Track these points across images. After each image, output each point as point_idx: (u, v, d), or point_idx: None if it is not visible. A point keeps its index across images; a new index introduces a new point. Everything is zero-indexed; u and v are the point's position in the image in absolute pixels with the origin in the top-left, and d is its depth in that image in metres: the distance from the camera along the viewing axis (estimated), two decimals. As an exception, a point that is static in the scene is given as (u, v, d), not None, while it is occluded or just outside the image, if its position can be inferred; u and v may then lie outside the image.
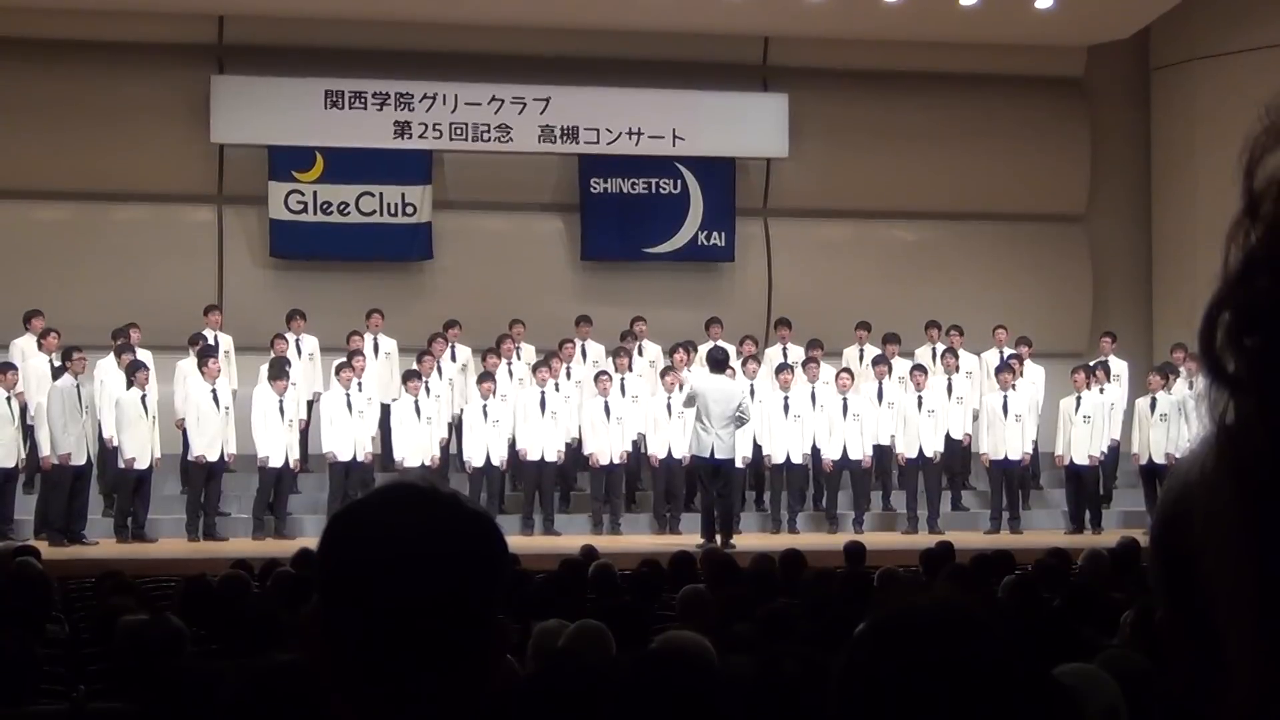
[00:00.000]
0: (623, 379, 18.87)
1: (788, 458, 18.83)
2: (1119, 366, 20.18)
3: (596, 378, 18.79)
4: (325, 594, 1.79)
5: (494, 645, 1.79)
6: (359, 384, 18.16)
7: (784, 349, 20.03)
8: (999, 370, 19.40)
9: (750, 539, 17.20)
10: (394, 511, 1.79)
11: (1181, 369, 19.12)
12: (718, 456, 16.82)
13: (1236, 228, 1.05)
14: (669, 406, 18.55)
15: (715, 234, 21.39)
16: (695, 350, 19.27)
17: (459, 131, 20.63)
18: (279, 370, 17.98)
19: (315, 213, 20.39)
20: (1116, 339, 20.50)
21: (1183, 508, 1.10)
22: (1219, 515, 1.04)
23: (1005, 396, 19.04)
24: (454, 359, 19.35)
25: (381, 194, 20.54)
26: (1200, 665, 1.11)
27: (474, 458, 18.29)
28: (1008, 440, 18.91)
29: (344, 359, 18.33)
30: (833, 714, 1.54)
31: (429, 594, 1.74)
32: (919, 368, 19.42)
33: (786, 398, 18.89)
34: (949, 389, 19.42)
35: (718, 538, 16.56)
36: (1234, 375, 1.03)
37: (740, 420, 16.98)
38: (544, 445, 18.38)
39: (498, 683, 1.86)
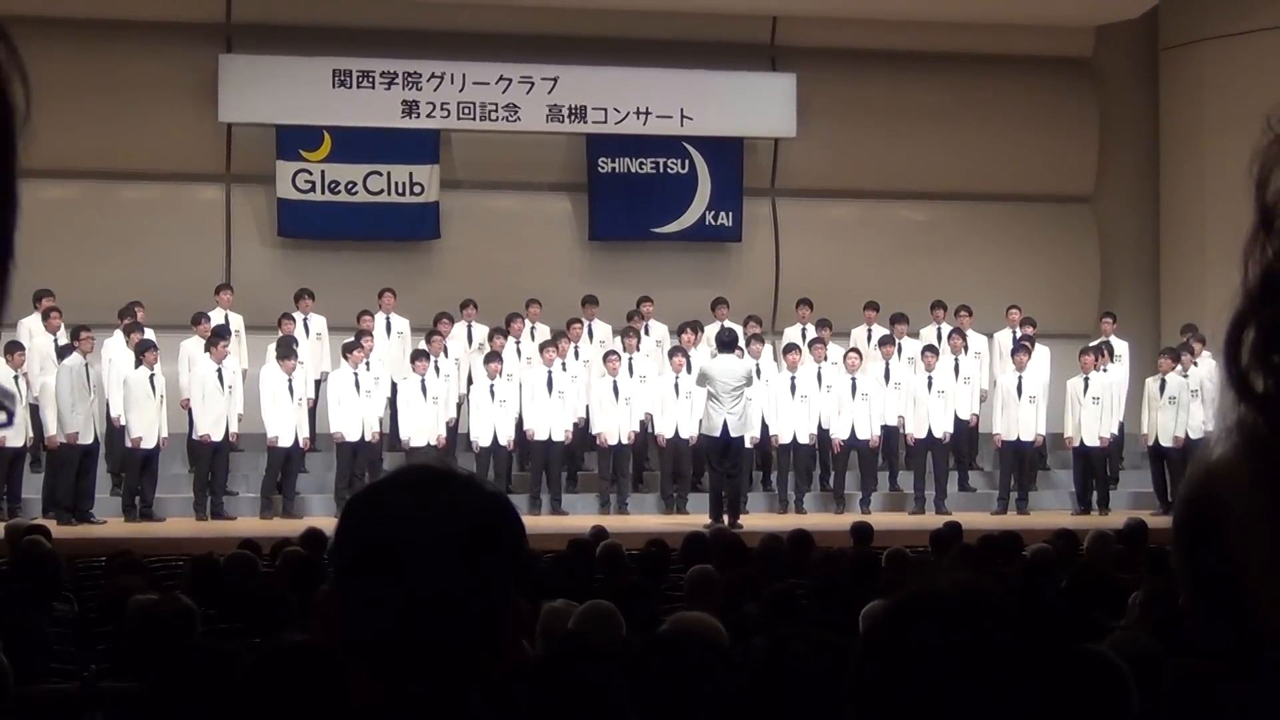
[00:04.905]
0: (630, 359, 18.86)
1: (794, 438, 18.81)
2: (1120, 347, 20.10)
3: (606, 357, 18.78)
4: (344, 576, 1.79)
5: (511, 625, 1.80)
6: (367, 364, 18.17)
7: (803, 329, 19.98)
8: (1014, 351, 19.33)
9: (758, 519, 17.22)
10: (412, 493, 1.79)
11: (1195, 349, 19.05)
12: (730, 434, 16.86)
13: (1252, 242, 1.03)
14: (676, 386, 18.54)
15: (723, 214, 21.35)
16: (702, 331, 19.27)
17: (467, 111, 20.61)
18: (287, 350, 17.98)
19: (323, 192, 20.38)
20: (1117, 319, 20.44)
21: (1206, 493, 1.10)
22: (1258, 531, 1.03)
23: (1020, 377, 18.99)
24: (470, 339, 19.34)
25: (389, 173, 20.51)
26: (1222, 646, 1.11)
27: (481, 438, 18.30)
28: (1021, 421, 18.85)
29: (352, 339, 18.32)
30: (853, 693, 1.55)
31: (449, 575, 1.74)
32: (930, 348, 19.38)
33: (793, 378, 18.87)
34: (956, 369, 19.39)
35: (725, 518, 16.58)
36: (1263, 394, 1.02)
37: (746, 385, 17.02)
38: (551, 425, 18.38)
39: (509, 664, 1.86)
